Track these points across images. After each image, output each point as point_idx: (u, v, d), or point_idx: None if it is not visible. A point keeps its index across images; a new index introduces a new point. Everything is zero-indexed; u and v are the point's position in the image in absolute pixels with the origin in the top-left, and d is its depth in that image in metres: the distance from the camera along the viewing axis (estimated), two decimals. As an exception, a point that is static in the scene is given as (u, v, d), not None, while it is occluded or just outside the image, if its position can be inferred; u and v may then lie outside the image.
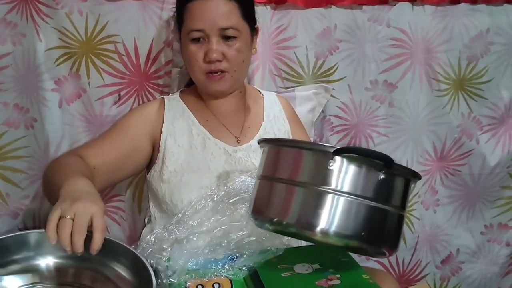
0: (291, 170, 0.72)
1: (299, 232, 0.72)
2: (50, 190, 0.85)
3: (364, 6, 1.17)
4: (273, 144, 0.77)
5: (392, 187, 0.71)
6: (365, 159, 0.68)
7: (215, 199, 0.90)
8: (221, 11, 0.91)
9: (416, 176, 0.75)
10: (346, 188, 0.68)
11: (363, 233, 0.68)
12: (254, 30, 0.99)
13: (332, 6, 1.16)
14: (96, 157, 0.92)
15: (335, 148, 0.68)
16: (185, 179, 0.92)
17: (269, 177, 0.75)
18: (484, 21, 1.21)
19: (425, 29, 1.20)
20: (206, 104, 1.00)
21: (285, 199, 0.71)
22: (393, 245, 0.73)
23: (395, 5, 1.18)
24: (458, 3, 1.20)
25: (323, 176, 0.68)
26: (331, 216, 0.67)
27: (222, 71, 0.93)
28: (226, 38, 0.92)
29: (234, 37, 0.93)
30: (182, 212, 0.89)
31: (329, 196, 0.68)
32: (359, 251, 0.78)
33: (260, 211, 0.75)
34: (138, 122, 0.98)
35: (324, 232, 0.68)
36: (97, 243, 0.67)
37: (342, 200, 0.68)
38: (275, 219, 0.72)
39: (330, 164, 0.68)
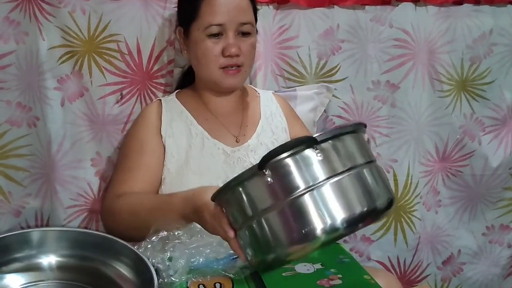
0: (248, 206, 0.66)
1: (306, 248, 0.66)
2: (134, 223, 0.86)
3: (366, 7, 1.17)
4: (218, 196, 0.70)
5: (345, 151, 0.65)
6: (292, 153, 0.63)
7: None
8: (241, 6, 0.93)
9: (357, 127, 0.69)
10: (303, 185, 0.62)
11: (358, 206, 0.63)
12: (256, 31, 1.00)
13: (335, 6, 1.16)
14: (141, 184, 0.93)
15: (258, 165, 0.64)
16: (185, 180, 0.93)
17: (241, 224, 0.68)
18: (487, 22, 1.21)
19: (428, 29, 1.20)
20: (205, 103, 1.01)
21: (267, 233, 0.65)
22: (388, 194, 0.68)
23: (397, 5, 1.18)
24: (461, 4, 1.20)
25: (276, 191, 0.63)
26: (321, 212, 0.62)
27: (238, 66, 0.94)
28: (242, 34, 0.94)
29: (249, 33, 0.95)
30: None
31: (304, 198, 0.62)
32: (366, 222, 0.70)
33: (253, 261, 0.69)
34: (147, 134, 0.98)
35: (326, 230, 0.63)
36: None
37: (316, 193, 0.62)
38: (273, 258, 0.66)
39: (268, 180, 0.63)
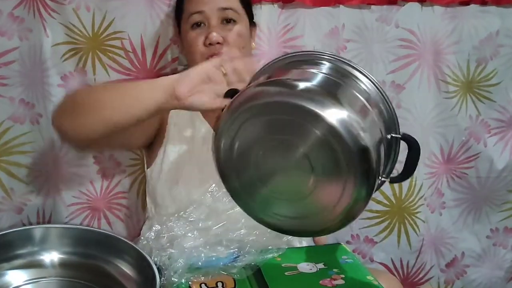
0: None
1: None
2: (98, 109, 0.77)
3: (372, 6, 1.16)
4: None
5: None
6: None
7: (216, 195, 0.89)
8: None
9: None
10: None
11: None
12: (252, 24, 0.98)
13: (340, 6, 1.15)
14: None
15: None
16: (185, 172, 0.92)
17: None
18: (494, 22, 1.20)
19: (434, 30, 1.19)
20: None
21: None
22: None
23: (404, 5, 1.17)
24: (468, 4, 1.19)
25: None
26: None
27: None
28: (226, 21, 0.91)
29: (234, 20, 0.92)
30: (182, 209, 0.89)
31: None
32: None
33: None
34: None
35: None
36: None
37: None
38: None
39: None
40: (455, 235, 1.31)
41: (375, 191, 0.72)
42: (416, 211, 1.25)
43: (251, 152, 0.65)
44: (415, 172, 1.19)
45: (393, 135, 0.67)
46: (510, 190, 1.29)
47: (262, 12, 1.11)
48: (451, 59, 1.21)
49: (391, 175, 0.71)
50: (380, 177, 0.64)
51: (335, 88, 0.66)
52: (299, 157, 0.62)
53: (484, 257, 1.33)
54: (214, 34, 0.89)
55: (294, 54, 0.75)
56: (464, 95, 1.24)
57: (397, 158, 0.72)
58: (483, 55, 1.22)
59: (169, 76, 0.75)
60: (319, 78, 0.67)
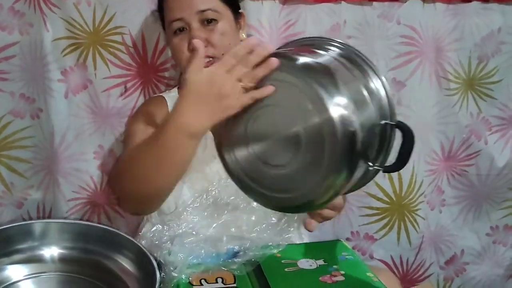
0: None
1: None
2: (140, 164, 0.74)
3: (374, 3, 1.15)
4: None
5: None
6: None
7: (216, 192, 0.89)
8: None
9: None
10: None
11: None
12: (238, 14, 0.97)
13: (342, 2, 1.14)
14: None
15: None
16: (188, 179, 0.91)
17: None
18: (496, 20, 1.20)
19: (436, 27, 1.18)
20: None
21: None
22: None
23: (405, 2, 1.16)
24: (470, 2, 1.18)
25: None
26: None
27: (209, 57, 0.89)
28: (207, 22, 0.90)
29: (215, 20, 0.91)
30: (182, 207, 0.89)
31: None
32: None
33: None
34: (146, 126, 0.94)
35: None
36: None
37: None
38: None
39: None
40: (455, 233, 1.31)
41: (369, 180, 0.72)
42: (416, 208, 1.25)
43: (245, 121, 0.67)
44: (415, 169, 1.22)
45: (387, 122, 0.67)
46: (511, 188, 1.29)
47: (264, 8, 1.11)
48: (453, 56, 1.21)
49: (386, 165, 0.71)
50: (371, 164, 0.64)
51: (335, 69, 0.67)
52: (289, 130, 0.63)
53: (483, 255, 1.33)
54: (196, 39, 0.87)
55: (303, 39, 0.75)
56: (465, 93, 1.24)
57: (391, 147, 0.72)
58: (484, 52, 1.21)
59: (178, 111, 0.69)
60: (320, 57, 0.68)
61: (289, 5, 1.13)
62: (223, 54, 0.88)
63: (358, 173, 0.65)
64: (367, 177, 0.71)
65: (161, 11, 0.96)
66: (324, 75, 0.62)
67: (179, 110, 0.68)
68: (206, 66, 0.83)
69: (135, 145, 0.81)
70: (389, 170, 0.68)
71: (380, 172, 0.70)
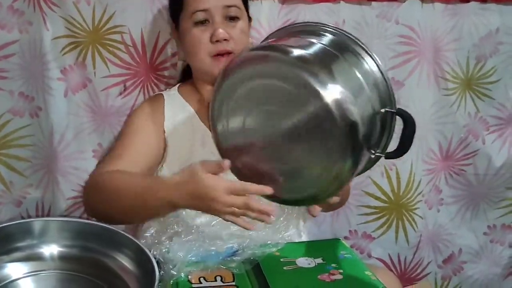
0: None
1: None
2: (116, 204, 0.81)
3: (373, 2, 1.16)
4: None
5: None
6: None
7: None
8: None
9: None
10: None
11: None
12: (249, 18, 0.99)
13: (341, 2, 1.14)
14: (131, 165, 0.89)
15: None
16: None
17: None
18: (494, 20, 1.20)
19: (434, 27, 1.19)
20: (204, 98, 1.00)
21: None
22: None
23: (404, 1, 1.17)
24: (468, 2, 1.19)
25: None
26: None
27: (229, 52, 0.91)
28: (230, 18, 0.92)
29: (237, 17, 0.92)
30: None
31: None
32: None
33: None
34: (148, 124, 0.96)
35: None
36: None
37: None
38: None
39: None
40: (453, 232, 1.31)
41: (371, 166, 0.72)
42: (414, 207, 1.26)
43: (243, 113, 0.68)
44: (413, 169, 1.23)
45: (388, 109, 0.67)
46: (508, 187, 1.30)
47: (263, 8, 1.11)
48: (451, 56, 1.21)
49: (387, 151, 0.71)
50: (373, 151, 0.64)
51: (331, 60, 0.67)
52: (287, 124, 0.63)
53: (481, 254, 1.34)
54: (221, 31, 0.89)
55: (297, 24, 0.75)
56: (463, 92, 1.24)
57: (392, 133, 0.72)
58: (482, 52, 1.22)
59: (174, 194, 0.75)
60: (316, 48, 0.68)
61: (288, 4, 1.13)
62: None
63: (362, 162, 0.65)
64: (368, 164, 0.70)
65: (178, 1, 0.95)
66: (318, 66, 0.62)
67: (175, 194, 0.74)
68: (224, 61, 0.90)
69: (125, 176, 0.85)
70: (391, 156, 0.68)
71: (378, 172, 0.70)
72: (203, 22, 0.91)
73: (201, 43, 0.91)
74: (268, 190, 0.69)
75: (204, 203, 0.72)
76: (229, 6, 0.91)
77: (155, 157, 0.95)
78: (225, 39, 0.90)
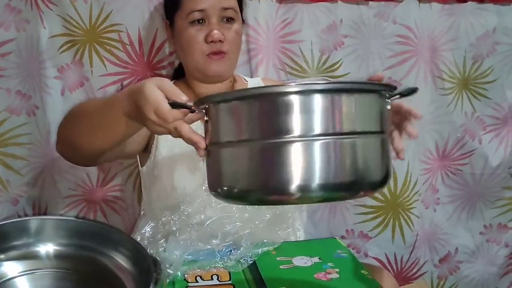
0: (243, 128, 0.57)
1: (280, 200, 0.59)
2: (83, 125, 0.75)
3: (370, 2, 1.16)
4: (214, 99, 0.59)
5: (366, 110, 0.57)
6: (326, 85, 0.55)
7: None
8: None
9: (389, 88, 0.60)
10: (316, 130, 0.54)
11: (345, 176, 0.55)
12: (242, 21, 0.99)
13: (339, 1, 1.15)
14: None
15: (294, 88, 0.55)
16: (179, 167, 0.92)
17: (216, 144, 0.60)
18: (491, 20, 1.21)
19: (431, 27, 1.19)
20: (196, 95, 0.99)
21: (238, 163, 0.57)
22: (384, 172, 0.60)
23: (401, 1, 1.17)
24: (465, 2, 1.19)
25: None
26: (310, 167, 0.54)
27: (222, 52, 0.92)
28: (226, 20, 0.92)
29: (233, 19, 0.93)
30: (176, 203, 0.89)
31: (292, 146, 0.54)
32: (353, 194, 0.61)
33: (214, 185, 0.61)
34: None
35: (301, 188, 0.54)
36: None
37: (316, 144, 0.54)
38: (233, 190, 0.58)
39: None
40: (449, 231, 1.32)
41: None
42: (410, 206, 1.26)
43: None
44: (410, 168, 1.23)
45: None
46: (504, 187, 1.30)
47: (260, 7, 1.11)
48: (448, 56, 1.21)
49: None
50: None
51: None
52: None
53: (477, 253, 1.34)
54: (216, 32, 0.90)
55: None
56: (460, 92, 1.24)
57: None
58: (479, 52, 1.22)
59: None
60: None
61: (286, 4, 1.14)
62: (233, 53, 0.93)
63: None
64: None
65: (173, 1, 0.95)
66: None
67: (125, 100, 0.66)
68: (217, 60, 0.91)
69: (91, 100, 0.82)
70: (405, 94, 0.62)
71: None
72: (199, 21, 0.92)
73: (196, 42, 0.92)
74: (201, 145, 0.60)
75: (140, 115, 0.63)
76: (226, 8, 0.92)
77: (139, 139, 0.91)
78: (219, 40, 0.91)
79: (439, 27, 1.20)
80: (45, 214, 1.10)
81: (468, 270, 1.35)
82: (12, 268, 0.71)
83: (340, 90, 0.56)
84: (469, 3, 1.19)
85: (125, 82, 1.08)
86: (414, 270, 1.31)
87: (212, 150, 0.60)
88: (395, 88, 0.61)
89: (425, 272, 1.32)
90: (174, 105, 0.61)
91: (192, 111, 0.61)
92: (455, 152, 1.27)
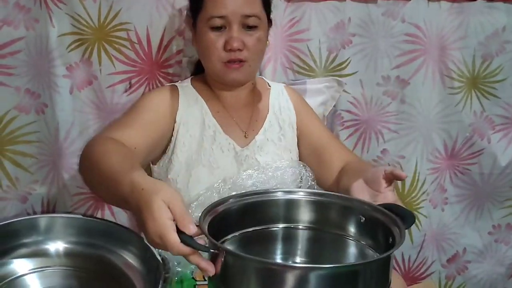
0: None
1: None
2: (95, 177, 0.75)
3: (379, 1, 1.16)
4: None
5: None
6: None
7: (220, 192, 0.89)
8: None
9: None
10: None
11: None
12: (270, 21, 0.97)
13: (347, 0, 1.14)
14: (133, 138, 0.84)
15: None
16: (194, 172, 0.92)
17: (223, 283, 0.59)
18: (500, 19, 1.20)
19: (440, 25, 1.19)
20: (216, 95, 0.99)
21: None
22: None
23: (410, 0, 1.16)
24: (475, 0, 1.18)
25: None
26: None
27: (241, 60, 0.91)
28: (248, 27, 0.90)
29: (255, 26, 0.91)
30: (188, 204, 0.89)
31: None
32: None
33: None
34: (159, 105, 0.93)
35: None
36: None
37: None
38: None
39: None
40: (457, 231, 1.31)
41: None
42: (418, 206, 1.25)
43: None
44: (418, 168, 1.23)
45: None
46: (513, 187, 1.30)
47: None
48: (457, 54, 1.21)
49: None
50: None
51: None
52: None
53: (485, 253, 1.34)
54: (235, 40, 0.88)
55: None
56: (468, 91, 1.24)
57: None
58: (488, 51, 1.21)
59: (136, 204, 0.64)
60: None
61: (294, 2, 1.13)
62: (253, 60, 0.92)
63: None
64: None
65: (197, 1, 0.93)
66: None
67: (131, 194, 0.64)
68: (235, 69, 0.90)
69: (111, 149, 0.78)
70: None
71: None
72: (219, 28, 0.90)
73: (214, 48, 0.90)
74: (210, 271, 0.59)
75: (143, 226, 0.62)
76: (248, 16, 0.89)
77: (158, 140, 0.91)
78: (239, 49, 0.89)
79: (448, 25, 1.19)
80: (53, 211, 1.11)
81: (476, 271, 1.34)
82: (22, 266, 0.71)
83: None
84: (479, 1, 1.18)
85: (133, 81, 1.09)
86: (422, 270, 1.31)
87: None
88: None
89: (433, 272, 1.31)
90: (184, 241, 0.58)
91: (200, 249, 0.58)
92: (463, 152, 1.26)
